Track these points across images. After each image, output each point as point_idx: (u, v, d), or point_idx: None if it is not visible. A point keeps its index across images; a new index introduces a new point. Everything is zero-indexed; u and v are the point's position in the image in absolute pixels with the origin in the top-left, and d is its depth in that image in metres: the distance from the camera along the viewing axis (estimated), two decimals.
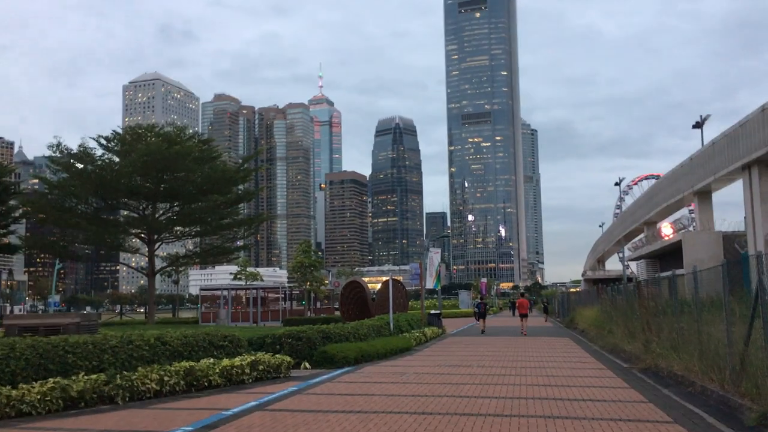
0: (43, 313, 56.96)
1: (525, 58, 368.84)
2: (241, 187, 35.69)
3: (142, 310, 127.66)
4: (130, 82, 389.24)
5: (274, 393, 12.09)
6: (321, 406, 10.71)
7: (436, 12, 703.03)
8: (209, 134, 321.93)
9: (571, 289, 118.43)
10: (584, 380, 14.23)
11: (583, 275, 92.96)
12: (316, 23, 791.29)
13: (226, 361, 13.39)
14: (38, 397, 9.81)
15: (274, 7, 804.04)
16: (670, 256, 45.68)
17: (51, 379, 10.25)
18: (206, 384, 12.64)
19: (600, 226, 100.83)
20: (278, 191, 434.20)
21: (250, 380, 13.69)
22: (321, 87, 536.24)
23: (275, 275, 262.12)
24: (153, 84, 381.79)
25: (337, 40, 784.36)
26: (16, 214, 32.43)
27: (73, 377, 10.61)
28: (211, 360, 13.28)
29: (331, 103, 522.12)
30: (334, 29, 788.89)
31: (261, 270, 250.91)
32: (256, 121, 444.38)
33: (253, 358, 14.12)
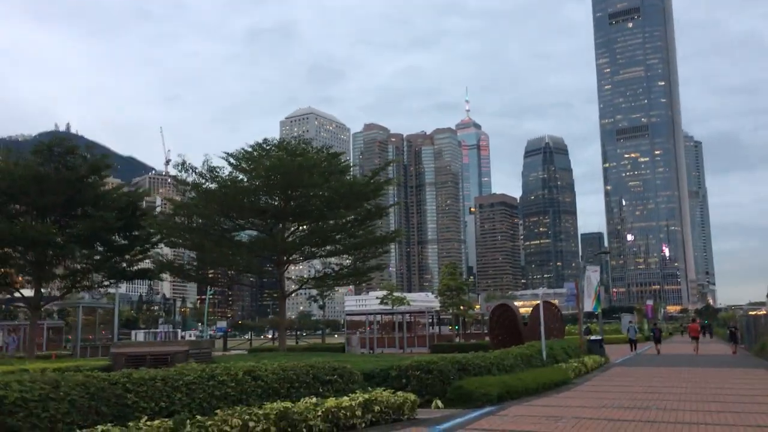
0: (205, 339, 58.12)
1: (680, 69, 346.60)
2: (372, 202, 33.62)
3: (303, 335, 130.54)
4: (286, 118, 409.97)
5: None
6: None
7: (578, 30, 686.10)
8: (360, 163, 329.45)
9: (750, 312, 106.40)
10: None
11: None
12: (457, 53, 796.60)
13: (331, 401, 10.81)
14: None
15: (415, 41, 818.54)
16: None
17: (100, 427, 8.13)
18: (304, 430, 10.12)
19: None
20: (428, 216, 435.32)
21: (363, 424, 11.02)
22: (468, 111, 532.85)
23: (427, 300, 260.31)
24: (307, 118, 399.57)
25: (478, 68, 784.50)
26: (155, 239, 32.38)
27: (131, 423, 8.46)
28: (314, 400, 10.75)
29: (478, 127, 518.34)
30: (475, 57, 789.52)
31: (413, 295, 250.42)
32: (405, 148, 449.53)
33: (366, 396, 11.45)
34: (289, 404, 10.19)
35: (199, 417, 9.00)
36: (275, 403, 10.09)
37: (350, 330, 57.88)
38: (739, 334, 39.44)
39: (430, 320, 55.83)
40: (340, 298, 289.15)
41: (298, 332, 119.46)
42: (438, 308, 69.14)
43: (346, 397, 11.18)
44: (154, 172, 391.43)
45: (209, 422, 8.97)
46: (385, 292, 79.61)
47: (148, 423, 8.49)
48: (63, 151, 28.58)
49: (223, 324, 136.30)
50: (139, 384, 9.02)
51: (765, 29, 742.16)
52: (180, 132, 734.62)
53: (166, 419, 8.73)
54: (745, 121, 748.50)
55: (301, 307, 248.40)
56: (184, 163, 30.57)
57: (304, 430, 10.08)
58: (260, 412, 9.67)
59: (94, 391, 8.55)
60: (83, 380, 8.62)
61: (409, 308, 59.97)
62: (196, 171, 30.39)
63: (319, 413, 10.39)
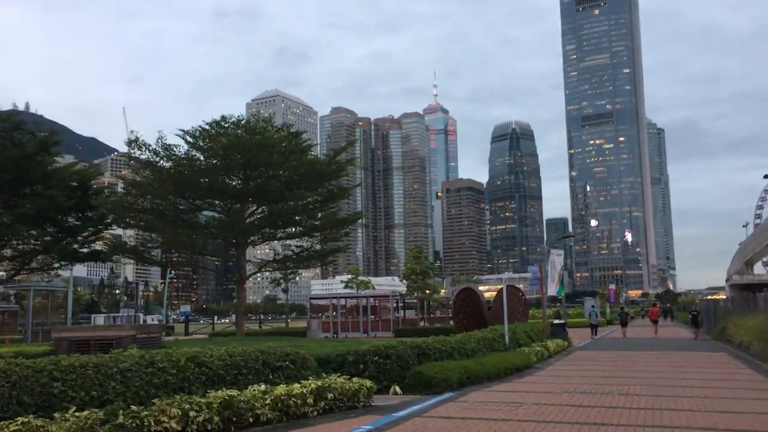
0: (153, 323, 56.97)
1: (644, 57, 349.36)
2: (334, 183, 32.76)
3: (269, 318, 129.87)
4: (252, 100, 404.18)
5: None
6: None
7: (545, 16, 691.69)
8: (327, 146, 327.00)
9: (708, 296, 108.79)
10: None
11: (727, 281, 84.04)
12: (425, 38, 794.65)
13: (281, 389, 10.20)
14: None
15: (383, 25, 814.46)
16: None
17: (20, 419, 7.42)
18: (251, 420, 9.51)
19: (744, 226, 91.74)
20: (395, 201, 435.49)
21: (315, 413, 10.46)
22: (436, 95, 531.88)
23: (393, 284, 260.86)
24: (274, 100, 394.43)
25: (445, 53, 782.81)
26: (108, 220, 31.15)
27: (57, 414, 7.77)
28: (263, 387, 10.15)
29: (446, 111, 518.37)
30: (442, 42, 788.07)
31: (378, 279, 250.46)
32: (372, 132, 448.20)
33: (319, 383, 10.87)
34: (235, 392, 9.57)
35: (134, 407, 8.33)
36: (220, 392, 9.47)
37: (315, 314, 57.28)
38: (699, 319, 39.70)
39: (395, 304, 55.45)
40: (306, 282, 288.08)
41: (262, 316, 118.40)
42: (404, 292, 68.89)
43: (297, 384, 10.60)
44: (116, 153, 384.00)
45: (145, 412, 8.30)
46: (350, 276, 79.08)
47: (76, 414, 7.82)
48: (9, 127, 27.23)
49: (186, 308, 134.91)
50: (67, 372, 8.32)
51: (725, 19, 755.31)
52: (144, 113, 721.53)
53: (97, 410, 8.06)
54: (706, 109, 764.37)
55: (267, 291, 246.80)
56: (137, 139, 29.33)
57: (251, 419, 9.50)
58: (203, 400, 9.04)
59: (15, 379, 7.84)
60: (4, 368, 7.91)
61: (374, 292, 59.44)
62: (150, 148, 29.22)
63: (268, 401, 9.81)
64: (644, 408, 11.26)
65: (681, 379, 16.05)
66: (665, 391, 13.67)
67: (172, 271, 66.78)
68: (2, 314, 56.14)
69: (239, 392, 9.66)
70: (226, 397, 9.31)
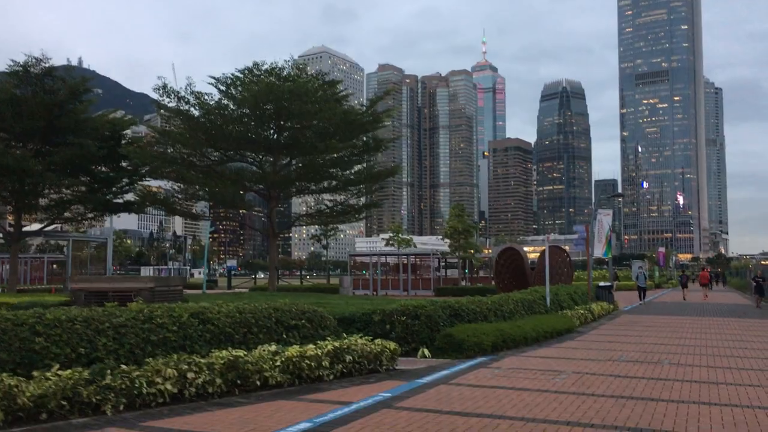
0: (174, 275, 57.20)
1: (703, 13, 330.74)
2: (370, 135, 31.43)
3: (313, 275, 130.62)
4: (299, 56, 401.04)
5: (349, 405, 7.85)
6: None
7: None
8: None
9: (763, 261, 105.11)
10: None
11: None
12: None
13: (293, 350, 9.31)
14: None
15: None
16: None
17: None
18: (258, 383, 8.67)
19: None
20: (441, 160, 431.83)
21: (332, 376, 9.57)
22: (484, 53, 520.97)
23: (437, 243, 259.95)
24: (320, 57, 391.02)
25: (495, 10, 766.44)
26: (143, 170, 30.59)
27: (36, 372, 7.02)
28: (273, 347, 9.28)
29: (494, 69, 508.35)
30: None
31: (423, 238, 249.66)
32: (419, 90, 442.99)
33: (337, 344, 9.96)
34: (241, 353, 8.72)
35: (124, 366, 7.56)
36: (224, 351, 8.63)
37: (357, 271, 56.90)
38: (765, 286, 36.95)
39: (437, 263, 54.59)
40: (350, 240, 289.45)
41: (305, 272, 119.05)
42: (446, 251, 67.88)
43: (312, 345, 9.71)
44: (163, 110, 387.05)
45: (137, 372, 7.52)
46: (391, 234, 78.28)
47: (59, 373, 7.06)
48: (40, 73, 26.65)
49: (233, 262, 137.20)
50: (52, 326, 7.55)
51: None
52: (194, 70, 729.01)
53: (83, 368, 7.29)
54: (766, 68, 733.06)
55: (312, 248, 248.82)
56: (165, 86, 28.46)
57: (258, 382, 8.65)
58: (203, 361, 8.21)
59: None
60: None
61: (415, 250, 58.57)
62: (179, 95, 28.33)
63: (278, 363, 8.94)
64: (698, 381, 10.09)
65: (739, 349, 14.73)
66: (721, 362, 12.42)
67: (214, 225, 66.85)
68: (51, 265, 57.13)
69: (246, 353, 8.82)
70: (231, 358, 8.47)
